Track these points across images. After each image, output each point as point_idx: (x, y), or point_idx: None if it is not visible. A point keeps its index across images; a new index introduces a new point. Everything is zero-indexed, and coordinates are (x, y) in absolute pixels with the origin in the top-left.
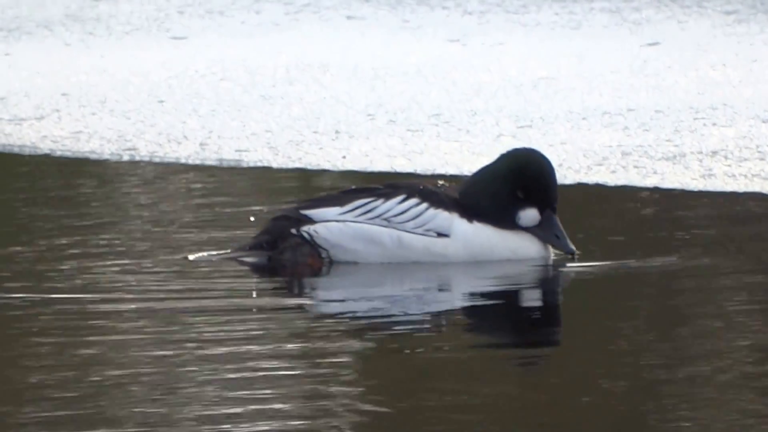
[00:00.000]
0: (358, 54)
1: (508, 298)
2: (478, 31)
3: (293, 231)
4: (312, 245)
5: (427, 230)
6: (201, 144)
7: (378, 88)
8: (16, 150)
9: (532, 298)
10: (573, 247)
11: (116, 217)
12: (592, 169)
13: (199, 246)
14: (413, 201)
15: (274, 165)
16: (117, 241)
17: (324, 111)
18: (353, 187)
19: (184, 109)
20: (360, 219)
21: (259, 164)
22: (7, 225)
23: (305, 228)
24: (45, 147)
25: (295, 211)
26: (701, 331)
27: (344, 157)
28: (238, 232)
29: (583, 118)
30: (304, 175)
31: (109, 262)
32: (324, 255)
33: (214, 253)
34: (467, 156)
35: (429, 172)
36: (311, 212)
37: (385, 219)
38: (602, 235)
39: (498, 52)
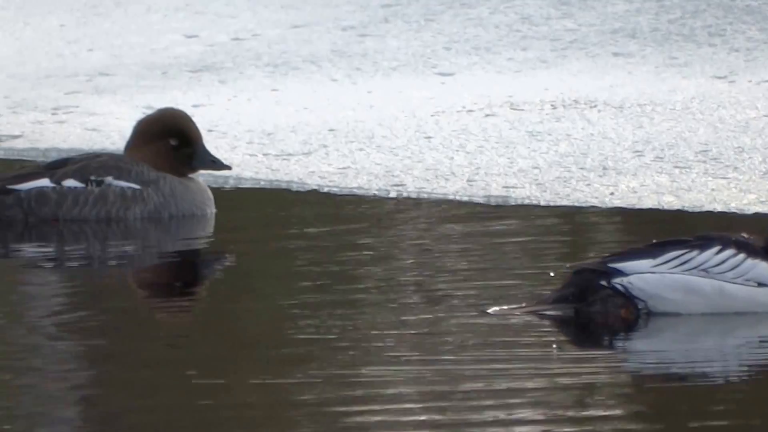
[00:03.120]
0: (624, 90)
1: None
2: (745, 68)
3: (603, 283)
4: (626, 297)
5: (747, 280)
6: (468, 180)
7: (645, 125)
8: (283, 186)
9: None
10: None
11: (390, 259)
12: None
13: (490, 295)
14: (730, 252)
15: (542, 202)
16: (399, 288)
17: (591, 147)
18: (654, 240)
19: (452, 145)
20: (675, 270)
21: (527, 201)
22: (278, 262)
23: (617, 280)
24: (312, 182)
25: (602, 265)
26: None
27: (612, 193)
28: (527, 281)
29: None
30: (571, 212)
31: (391, 310)
32: (641, 306)
33: (515, 306)
34: (735, 193)
35: (697, 210)
36: (621, 265)
37: (703, 270)
38: None
39: (765, 88)
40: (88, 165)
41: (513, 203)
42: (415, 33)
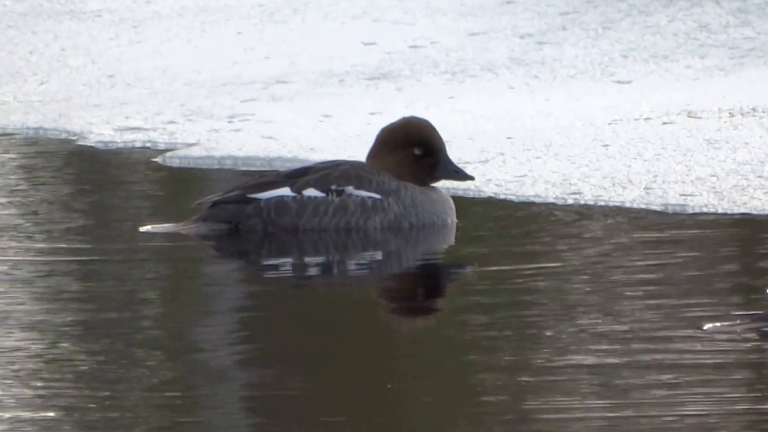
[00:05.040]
0: None
1: None
2: None
3: None
4: None
5: None
6: (646, 188)
7: None
8: (459, 194)
9: None
10: None
11: (575, 271)
12: None
13: (694, 310)
14: None
15: (719, 210)
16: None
17: None
18: None
19: (629, 153)
20: None
21: (704, 209)
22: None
23: None
24: (489, 191)
25: None
26: None
27: None
28: (723, 294)
29: None
30: (748, 220)
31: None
32: None
33: (731, 323)
34: None
35: None
36: None
37: None
38: None
39: None
40: (329, 174)
41: (690, 211)
42: (592, 41)
